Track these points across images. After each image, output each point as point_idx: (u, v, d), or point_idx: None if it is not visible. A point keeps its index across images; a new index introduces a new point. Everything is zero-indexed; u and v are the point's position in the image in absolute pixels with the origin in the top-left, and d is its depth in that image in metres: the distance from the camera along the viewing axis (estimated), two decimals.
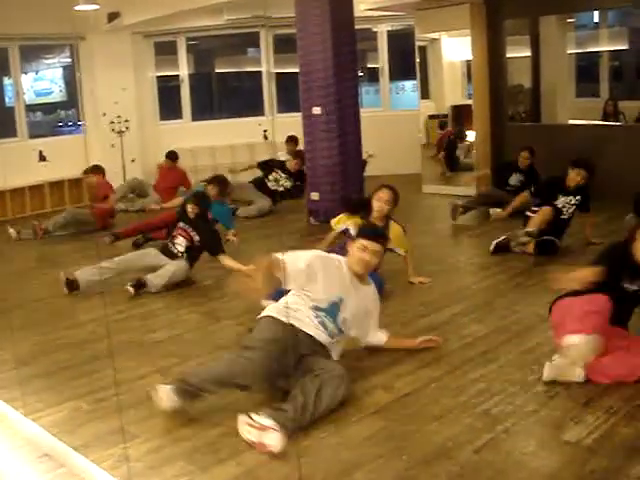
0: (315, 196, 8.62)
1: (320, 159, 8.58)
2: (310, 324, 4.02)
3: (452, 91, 11.81)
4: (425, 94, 11.67)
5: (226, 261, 6.54)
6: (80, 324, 5.58)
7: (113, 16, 11.07)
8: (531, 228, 6.68)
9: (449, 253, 7.37)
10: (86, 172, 9.73)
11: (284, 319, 3.94)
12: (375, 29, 12.49)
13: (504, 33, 10.10)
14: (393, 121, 12.03)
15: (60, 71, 12.94)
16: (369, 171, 9.69)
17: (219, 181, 8.03)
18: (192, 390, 3.73)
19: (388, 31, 12.52)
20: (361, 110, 8.98)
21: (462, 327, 4.96)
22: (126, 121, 11.69)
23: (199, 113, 13.00)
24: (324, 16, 8.25)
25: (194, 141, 11.91)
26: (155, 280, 6.30)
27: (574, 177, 6.84)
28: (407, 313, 5.34)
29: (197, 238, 6.60)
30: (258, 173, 10.15)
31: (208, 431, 3.65)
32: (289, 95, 12.35)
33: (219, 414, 3.82)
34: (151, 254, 6.68)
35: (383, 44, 12.56)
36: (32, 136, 11.62)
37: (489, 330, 4.84)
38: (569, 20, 10.73)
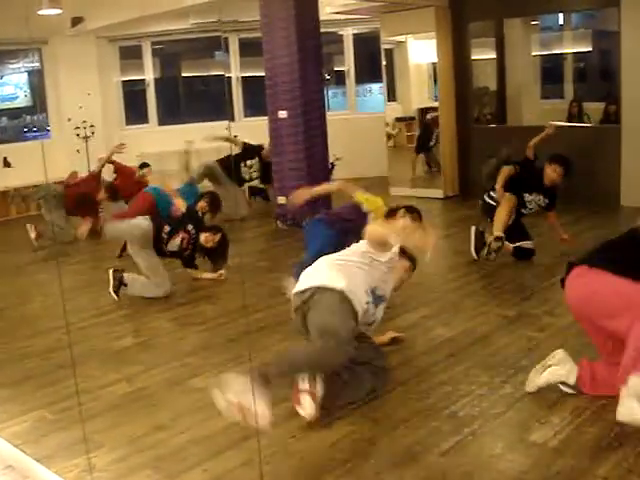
0: (282, 200, 8.59)
1: (287, 162, 8.57)
2: (359, 306, 3.86)
3: (419, 93, 11.87)
4: (392, 96, 11.71)
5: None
6: (45, 332, 5.50)
7: (77, 20, 10.98)
8: (498, 231, 6.43)
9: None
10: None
11: (352, 299, 3.81)
12: (341, 32, 12.51)
13: (469, 36, 10.15)
14: (360, 124, 12.06)
15: (25, 76, 12.81)
16: (336, 174, 9.69)
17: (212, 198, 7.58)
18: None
19: (354, 34, 12.57)
20: (328, 113, 9.00)
21: (429, 330, 4.97)
22: (91, 126, 11.59)
23: (166, 117, 12.92)
24: (289, 20, 8.24)
25: (161, 145, 11.83)
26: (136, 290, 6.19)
27: (550, 174, 6.59)
28: None
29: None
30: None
31: (173, 438, 3.62)
32: (255, 99, 12.32)
33: (184, 420, 3.80)
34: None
35: (349, 47, 12.59)
36: None
37: (456, 332, 4.85)
38: (533, 22, 10.82)
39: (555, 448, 3.28)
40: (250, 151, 9.85)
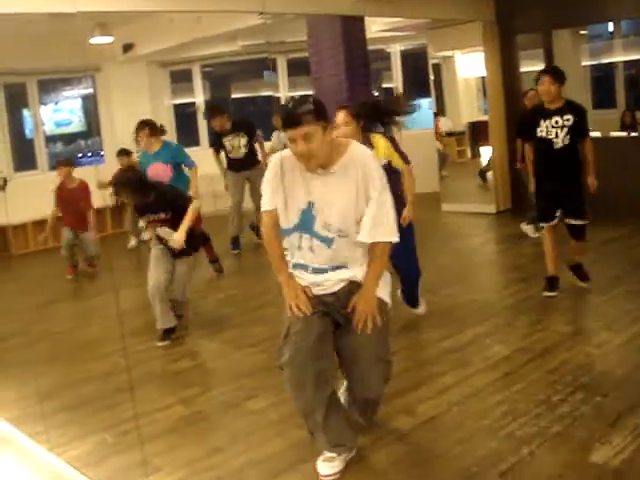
0: None
1: None
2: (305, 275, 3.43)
3: (468, 107, 11.80)
4: (441, 111, 11.67)
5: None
6: (103, 356, 5.59)
7: (128, 47, 11.20)
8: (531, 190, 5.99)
9: (470, 272, 7.31)
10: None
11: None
12: (389, 49, 12.53)
13: (517, 48, 10.08)
14: (410, 140, 11.99)
15: (79, 102, 13.09)
16: None
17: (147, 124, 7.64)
18: None
19: (401, 51, 12.57)
20: (378, 131, 8.97)
21: (485, 348, 4.91)
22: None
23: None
24: (336, 40, 8.29)
25: (212, 167, 11.89)
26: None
27: (540, 88, 5.68)
28: (429, 334, 5.31)
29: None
30: None
31: (230, 461, 3.64)
32: None
33: (241, 443, 3.82)
34: (167, 256, 5.93)
35: (397, 64, 12.60)
36: (52, 167, 11.72)
37: (512, 350, 4.79)
38: (582, 32, 10.71)
39: (616, 469, 3.22)
40: (239, 125, 9.02)
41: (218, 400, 4.51)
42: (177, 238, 5.61)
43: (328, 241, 3.31)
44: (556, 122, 5.66)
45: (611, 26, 11.00)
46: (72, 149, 13.16)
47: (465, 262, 7.66)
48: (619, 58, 10.58)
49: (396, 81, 12.65)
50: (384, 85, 13.47)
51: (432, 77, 10.99)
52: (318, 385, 3.26)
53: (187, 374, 5.06)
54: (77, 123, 13.04)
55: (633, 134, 9.61)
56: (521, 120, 6.51)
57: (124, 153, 9.90)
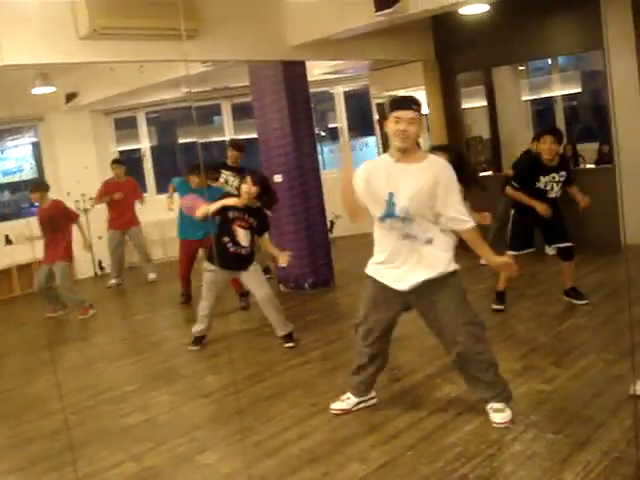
0: (284, 262, 8.58)
1: (286, 225, 8.55)
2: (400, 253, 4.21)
3: None
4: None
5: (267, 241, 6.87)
6: (51, 413, 5.45)
7: (71, 96, 11.11)
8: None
9: None
10: None
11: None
12: (332, 90, 12.66)
13: (458, 86, 10.27)
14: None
15: (29, 148, 12.87)
16: (336, 232, 9.71)
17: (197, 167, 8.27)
18: None
19: (345, 91, 12.71)
20: (324, 171, 9.05)
21: (435, 388, 4.93)
22: (90, 199, 11.58)
23: (164, 185, 12.94)
24: (279, 84, 8.33)
25: (159, 214, 11.81)
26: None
27: (544, 147, 6.47)
28: (380, 377, 5.28)
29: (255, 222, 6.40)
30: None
31: None
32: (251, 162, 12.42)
33: None
34: (224, 277, 6.57)
35: (341, 104, 12.73)
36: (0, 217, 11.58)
37: (463, 390, 4.77)
38: (521, 68, 10.95)
39: None
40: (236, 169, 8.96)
41: (170, 454, 4.42)
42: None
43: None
44: (553, 178, 6.52)
45: (549, 61, 11.27)
46: (20, 197, 12.91)
47: None
48: (558, 92, 10.82)
49: (340, 121, 12.76)
50: (330, 125, 13.60)
51: (377, 117, 11.12)
52: None
53: (138, 429, 4.96)
54: (29, 170, 12.78)
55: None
56: (522, 173, 6.79)
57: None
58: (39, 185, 9.07)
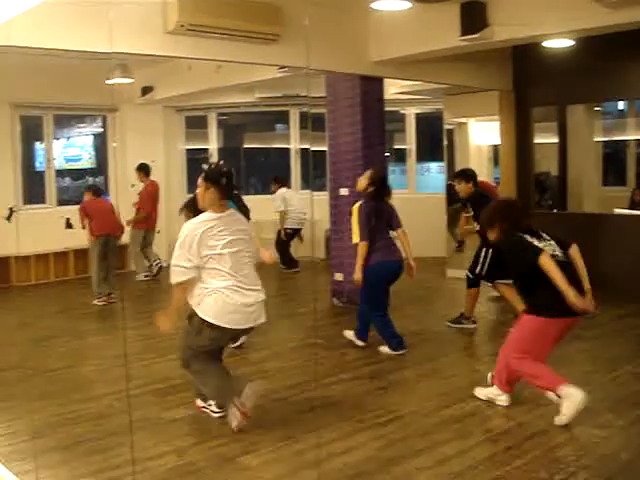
0: (339, 277, 8.56)
1: (347, 240, 8.48)
2: None
3: (479, 175, 11.82)
4: (453, 175, 11.68)
5: None
6: (97, 397, 5.51)
7: (147, 90, 11.29)
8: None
9: (472, 340, 7.26)
10: None
11: None
12: (403, 111, 12.62)
13: (532, 120, 10.16)
14: (419, 203, 11.99)
15: (91, 139, 13.14)
16: None
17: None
18: None
19: (416, 114, 12.65)
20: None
21: (486, 420, 4.84)
22: None
23: None
24: (355, 99, 8.35)
25: None
26: None
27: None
28: (430, 403, 5.22)
29: None
30: None
31: None
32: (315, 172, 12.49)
33: None
34: None
35: (411, 126, 12.67)
36: (60, 202, 11.74)
37: (514, 424, 4.70)
38: (596, 108, 10.80)
39: None
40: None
41: (212, 453, 4.41)
42: None
43: None
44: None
45: (623, 104, 11.12)
46: (79, 185, 13.13)
47: (469, 330, 7.55)
48: (632, 136, 10.66)
49: (410, 143, 12.71)
50: (395, 146, 13.56)
51: (445, 142, 11.06)
52: None
53: (182, 423, 4.96)
54: (87, 160, 13.06)
55: None
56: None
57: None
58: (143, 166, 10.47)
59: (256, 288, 4.77)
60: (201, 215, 4.74)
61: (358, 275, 6.40)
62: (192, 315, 4.74)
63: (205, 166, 4.97)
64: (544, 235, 4.86)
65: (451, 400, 5.21)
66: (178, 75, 10.44)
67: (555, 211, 10.38)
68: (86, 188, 10.05)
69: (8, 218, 10.57)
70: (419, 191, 12.81)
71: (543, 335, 4.75)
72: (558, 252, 4.75)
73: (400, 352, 6.47)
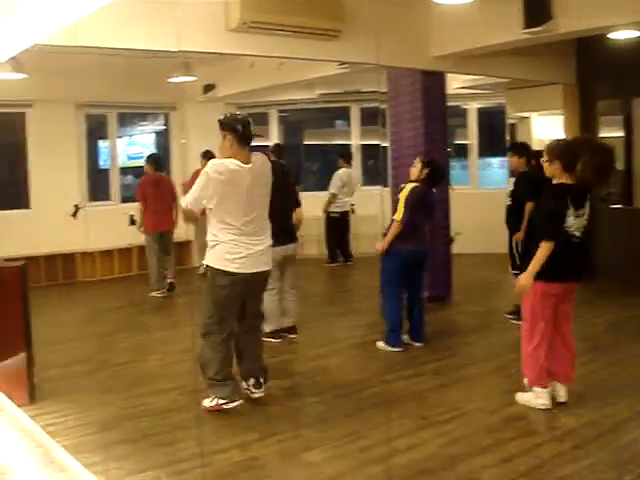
0: None
1: None
2: None
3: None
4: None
5: None
6: (162, 391, 5.58)
7: (209, 88, 11.40)
8: None
9: None
10: None
11: None
12: (465, 106, 12.50)
13: (597, 113, 9.96)
14: (481, 199, 11.84)
15: (152, 136, 13.30)
16: (456, 249, 9.53)
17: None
18: None
19: (478, 108, 12.52)
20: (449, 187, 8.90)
21: (553, 418, 4.77)
22: None
23: None
24: (415, 94, 8.30)
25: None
26: None
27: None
28: (494, 400, 5.17)
29: None
30: None
31: None
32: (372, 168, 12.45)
33: None
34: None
35: (473, 121, 12.54)
36: (124, 199, 11.92)
37: (582, 423, 4.62)
38: None
39: None
40: None
41: (275, 448, 4.44)
42: None
43: None
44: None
45: None
46: None
47: None
48: None
49: (471, 138, 12.58)
50: (456, 141, 13.44)
51: (508, 137, 10.93)
52: None
53: (246, 418, 4.99)
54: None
55: None
56: None
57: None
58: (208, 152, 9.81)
59: (264, 238, 5.02)
60: (227, 162, 4.93)
61: (382, 245, 6.44)
62: (206, 272, 4.96)
63: (221, 116, 5.22)
64: (587, 207, 4.83)
65: (514, 398, 5.13)
66: (240, 72, 10.50)
67: (620, 206, 10.15)
68: (146, 159, 10.10)
69: (74, 215, 10.77)
70: (481, 187, 12.67)
71: (544, 299, 4.79)
72: (578, 233, 4.78)
73: (397, 349, 6.44)
